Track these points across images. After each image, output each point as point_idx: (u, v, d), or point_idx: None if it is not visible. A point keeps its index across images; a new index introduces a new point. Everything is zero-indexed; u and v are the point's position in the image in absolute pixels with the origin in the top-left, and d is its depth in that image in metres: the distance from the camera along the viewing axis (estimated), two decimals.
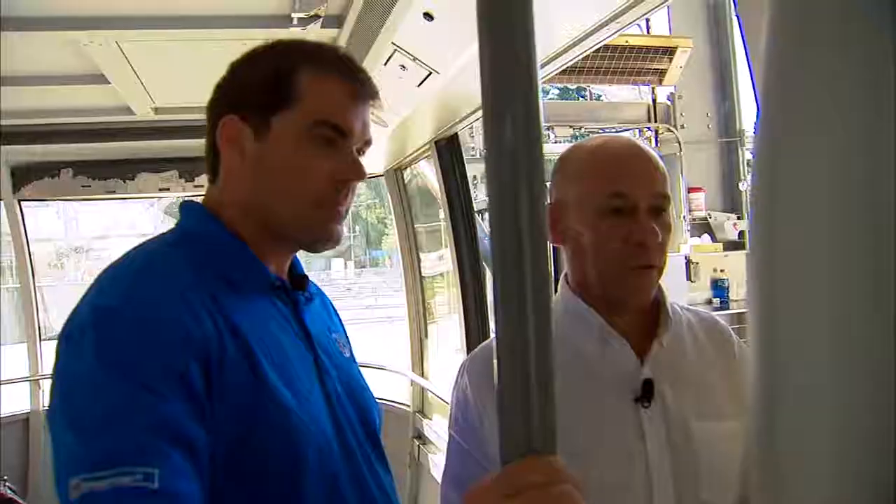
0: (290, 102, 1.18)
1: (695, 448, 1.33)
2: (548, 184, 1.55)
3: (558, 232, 1.41)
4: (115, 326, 1.01)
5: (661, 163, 1.40)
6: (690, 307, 1.51)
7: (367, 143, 1.25)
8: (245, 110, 1.20)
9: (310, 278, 1.34)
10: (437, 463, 3.98)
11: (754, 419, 0.46)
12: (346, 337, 1.41)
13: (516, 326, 0.60)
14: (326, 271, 25.30)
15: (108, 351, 0.99)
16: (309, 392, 1.17)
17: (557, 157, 1.48)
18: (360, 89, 1.23)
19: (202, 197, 1.28)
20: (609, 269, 1.36)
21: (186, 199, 1.28)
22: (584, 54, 2.27)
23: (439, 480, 3.88)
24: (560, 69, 2.42)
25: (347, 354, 1.36)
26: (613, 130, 7.47)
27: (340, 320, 1.45)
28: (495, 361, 0.61)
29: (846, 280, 0.42)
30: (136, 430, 0.94)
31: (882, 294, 0.41)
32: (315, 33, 2.58)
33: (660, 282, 1.42)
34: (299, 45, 1.29)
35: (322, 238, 1.22)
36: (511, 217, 0.59)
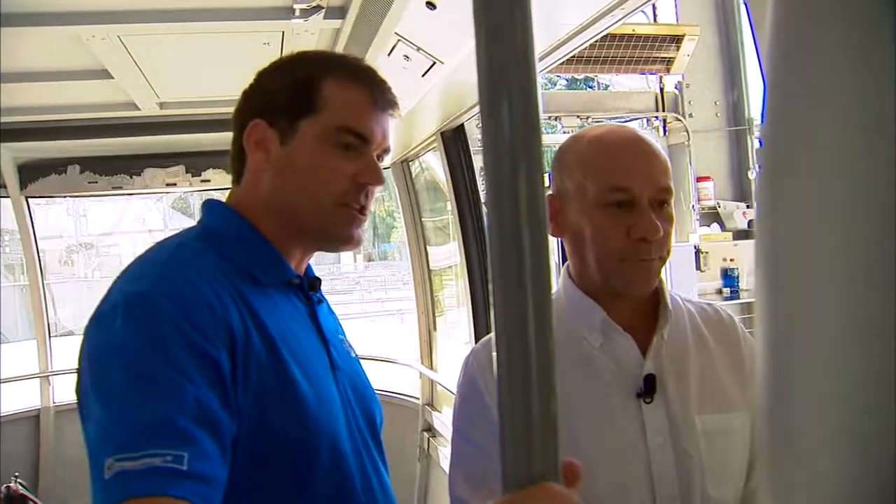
0: (315, 109, 1.25)
1: (699, 443, 1.32)
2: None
3: (558, 223, 1.40)
4: (146, 308, 1.06)
5: (662, 153, 1.38)
6: (692, 299, 1.50)
7: (386, 150, 1.32)
8: (271, 116, 1.26)
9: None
10: (446, 455, 3.97)
11: (761, 417, 0.44)
12: (348, 340, 1.47)
13: (517, 336, 0.58)
14: (336, 265, 25.39)
15: (140, 329, 1.04)
16: (323, 384, 1.22)
17: (557, 147, 1.46)
18: (381, 98, 1.29)
19: (210, 191, 1.33)
20: (610, 262, 1.34)
21: (210, 197, 1.34)
22: (590, 42, 2.25)
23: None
24: (565, 58, 2.40)
25: (354, 355, 1.41)
26: (622, 120, 7.43)
27: (341, 326, 1.49)
28: (496, 371, 0.59)
29: (858, 270, 0.40)
30: (167, 411, 0.98)
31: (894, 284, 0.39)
32: (317, 24, 2.56)
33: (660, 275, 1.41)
34: (324, 55, 1.38)
35: (342, 238, 1.29)
36: (510, 209, 0.56)
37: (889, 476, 0.40)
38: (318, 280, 1.37)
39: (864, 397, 0.40)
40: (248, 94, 1.32)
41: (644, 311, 1.40)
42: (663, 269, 1.39)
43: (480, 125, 0.58)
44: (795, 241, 0.42)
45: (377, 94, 1.29)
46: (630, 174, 1.33)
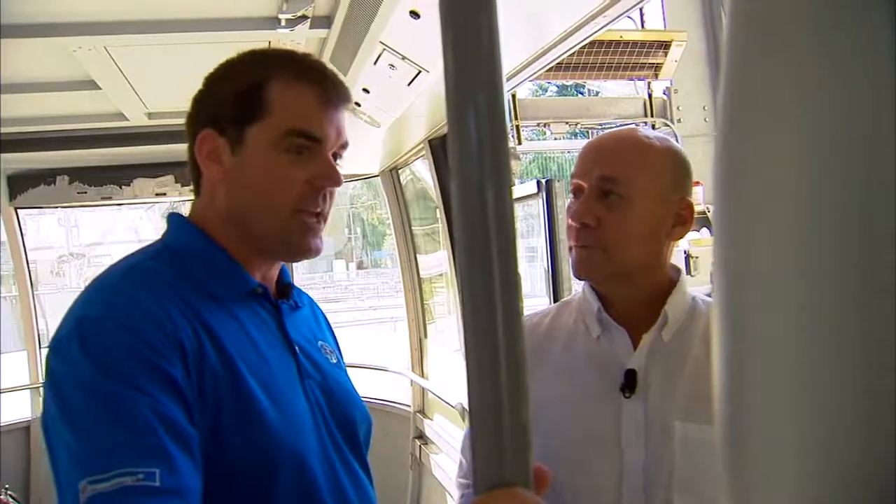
0: (262, 114, 1.20)
1: (672, 448, 1.31)
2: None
3: None
4: (100, 334, 1.05)
5: (626, 147, 1.42)
6: None
7: (344, 146, 1.26)
8: (221, 124, 1.22)
9: (300, 289, 1.37)
10: (438, 463, 3.98)
11: (720, 419, 0.45)
12: (336, 345, 1.44)
13: (486, 343, 0.58)
14: (329, 273, 25.34)
15: (97, 356, 1.03)
16: (288, 397, 1.20)
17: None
18: (331, 94, 1.24)
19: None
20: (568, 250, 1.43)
21: (172, 211, 1.30)
22: (575, 49, 2.26)
23: (441, 480, 3.88)
24: (551, 64, 2.41)
25: (334, 361, 1.38)
26: (611, 126, 7.44)
27: (331, 330, 1.48)
28: (466, 382, 0.60)
29: (816, 272, 0.41)
30: (134, 430, 0.98)
31: (854, 286, 0.40)
32: (303, 34, 2.57)
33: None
34: (270, 55, 1.32)
35: (300, 248, 1.25)
36: (478, 219, 0.57)
37: (842, 480, 0.40)
38: (290, 285, 1.34)
39: (818, 401, 0.41)
40: (198, 101, 1.28)
41: (652, 309, 1.41)
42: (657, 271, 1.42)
43: (447, 130, 0.58)
44: (751, 247, 0.43)
45: (327, 90, 1.24)
46: (580, 166, 1.42)
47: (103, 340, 1.04)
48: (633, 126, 1.66)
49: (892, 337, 0.39)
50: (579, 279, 1.43)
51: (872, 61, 0.40)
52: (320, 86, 1.23)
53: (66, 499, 0.98)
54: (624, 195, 1.36)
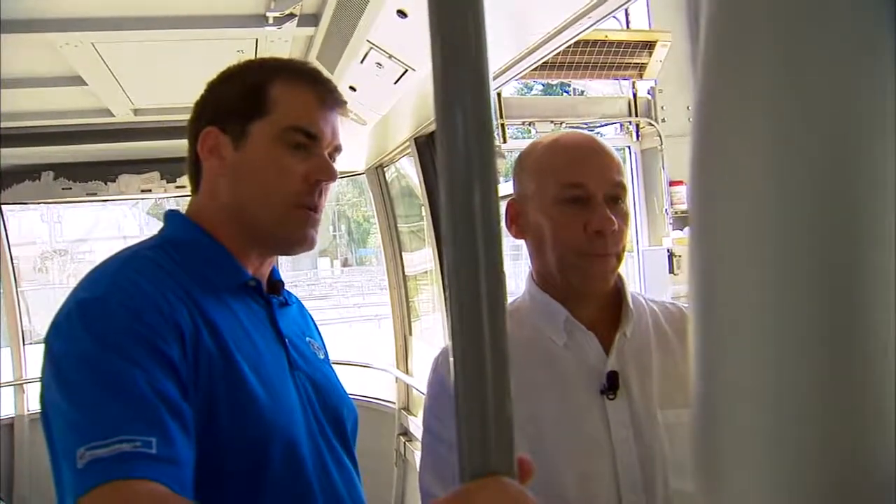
0: (265, 111, 1.28)
1: (661, 437, 1.35)
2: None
3: (520, 226, 1.46)
4: (101, 313, 1.10)
5: (616, 155, 1.44)
6: (655, 299, 1.54)
7: (338, 149, 1.34)
8: (223, 122, 1.29)
9: (288, 290, 1.42)
10: None
11: (694, 417, 0.46)
12: (322, 342, 1.49)
13: (472, 337, 0.60)
14: (313, 270, 25.25)
15: (98, 333, 1.08)
16: (279, 386, 1.24)
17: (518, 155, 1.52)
18: (328, 97, 1.32)
19: (184, 197, 1.35)
20: (568, 258, 1.39)
21: (171, 208, 1.35)
22: (560, 49, 2.28)
23: None
24: (538, 63, 2.42)
25: (322, 356, 1.43)
26: (596, 125, 7.47)
27: (318, 329, 1.53)
28: (452, 374, 0.62)
29: (785, 275, 0.42)
30: (133, 401, 1.02)
31: (821, 289, 0.41)
32: (291, 32, 2.58)
33: (621, 273, 1.46)
34: (271, 61, 1.40)
35: (296, 239, 1.31)
36: (464, 217, 0.59)
37: (808, 476, 0.42)
38: (280, 283, 1.40)
39: (786, 400, 0.42)
40: (200, 105, 1.36)
41: (606, 310, 1.45)
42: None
43: (436, 129, 0.60)
44: (723, 255, 0.44)
45: (324, 93, 1.32)
46: (584, 171, 1.39)
47: (105, 319, 1.09)
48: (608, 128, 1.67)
49: (853, 330, 0.40)
50: (592, 292, 1.42)
51: (840, 58, 0.41)
52: (318, 88, 1.32)
53: (63, 470, 1.01)
54: (626, 201, 1.41)
